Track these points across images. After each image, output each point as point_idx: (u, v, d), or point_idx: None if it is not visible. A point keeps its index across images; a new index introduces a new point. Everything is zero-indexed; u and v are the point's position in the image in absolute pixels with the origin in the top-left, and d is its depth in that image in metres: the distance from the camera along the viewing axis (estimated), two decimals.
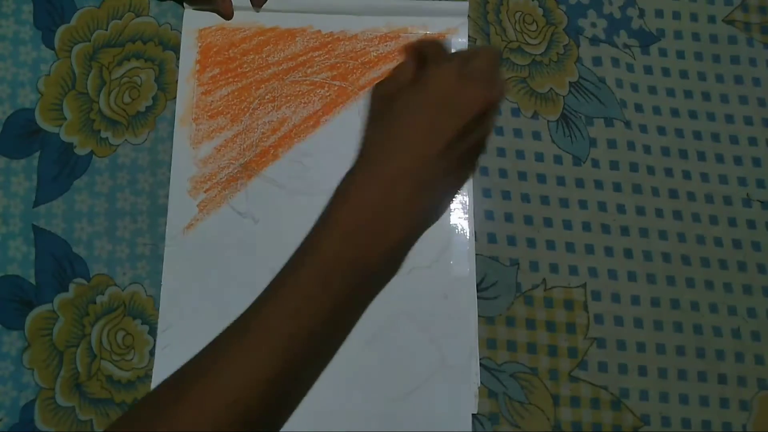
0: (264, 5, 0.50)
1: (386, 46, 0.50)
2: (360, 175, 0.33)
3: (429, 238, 0.46)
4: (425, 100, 0.33)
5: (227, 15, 0.50)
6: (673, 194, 0.49)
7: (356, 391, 0.43)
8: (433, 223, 0.34)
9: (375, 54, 0.50)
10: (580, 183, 0.49)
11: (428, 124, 0.32)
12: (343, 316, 0.32)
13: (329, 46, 0.50)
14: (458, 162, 0.33)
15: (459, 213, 0.47)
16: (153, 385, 0.43)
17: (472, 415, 0.43)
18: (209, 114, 0.49)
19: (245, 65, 0.50)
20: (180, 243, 0.46)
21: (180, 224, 0.47)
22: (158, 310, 0.45)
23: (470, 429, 0.43)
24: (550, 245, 0.47)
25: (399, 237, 0.32)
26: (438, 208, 0.34)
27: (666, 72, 0.51)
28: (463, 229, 0.47)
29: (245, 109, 0.49)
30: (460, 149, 0.33)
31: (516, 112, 0.50)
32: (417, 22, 0.50)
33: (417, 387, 0.44)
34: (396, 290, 0.45)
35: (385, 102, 0.33)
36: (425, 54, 0.34)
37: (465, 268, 0.46)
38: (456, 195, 0.37)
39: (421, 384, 0.44)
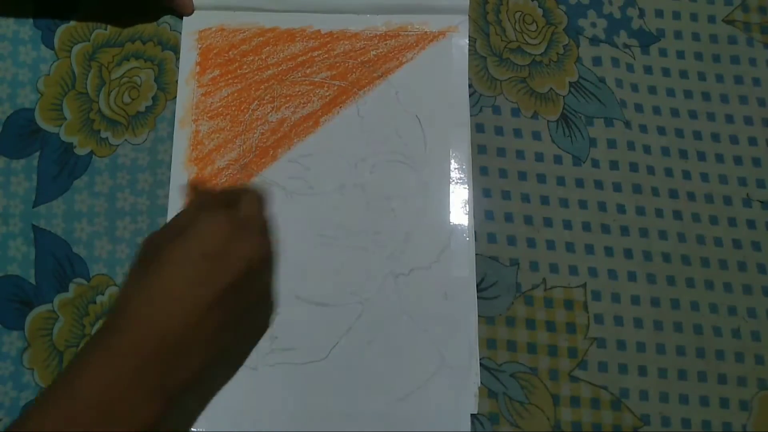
0: (264, 5, 0.50)
1: (386, 44, 0.50)
2: (99, 346, 0.29)
3: (428, 238, 0.47)
4: (194, 250, 0.30)
5: (185, 10, 0.50)
6: (673, 194, 0.49)
7: (356, 391, 0.43)
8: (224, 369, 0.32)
9: (375, 53, 0.50)
10: (580, 183, 0.49)
11: (196, 276, 0.29)
12: None
13: (328, 45, 0.50)
14: (240, 315, 0.30)
15: (459, 213, 0.47)
16: None
17: (472, 415, 0.43)
18: (209, 115, 0.49)
19: (245, 66, 0.50)
20: None
21: None
22: None
23: (470, 429, 0.43)
24: (550, 245, 0.47)
25: (144, 417, 0.28)
26: (225, 360, 0.31)
27: (666, 72, 0.51)
28: (463, 230, 0.47)
29: (245, 110, 0.49)
30: (239, 303, 0.30)
31: (516, 112, 0.50)
32: (417, 20, 0.50)
33: (417, 387, 0.44)
34: (396, 291, 0.46)
35: (153, 251, 0.30)
36: (201, 201, 0.32)
37: (465, 268, 0.46)
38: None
39: (420, 384, 0.44)
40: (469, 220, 0.47)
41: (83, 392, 0.27)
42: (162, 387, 0.28)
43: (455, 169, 0.48)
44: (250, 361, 0.43)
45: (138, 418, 0.28)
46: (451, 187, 0.48)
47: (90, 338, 0.30)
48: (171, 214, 0.47)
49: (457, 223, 0.47)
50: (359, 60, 0.47)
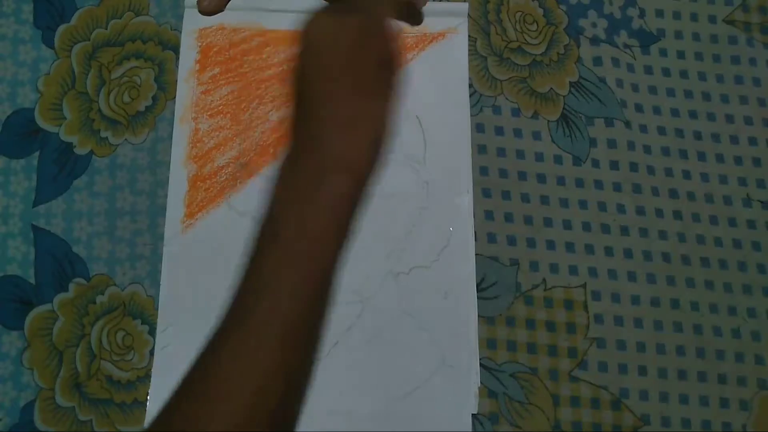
0: (265, 5, 0.50)
1: None
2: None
3: (429, 237, 0.47)
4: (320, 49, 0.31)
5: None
6: (673, 194, 0.49)
7: (357, 390, 0.43)
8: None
9: None
10: (580, 183, 0.49)
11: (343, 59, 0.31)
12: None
13: None
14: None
15: (459, 212, 0.47)
16: (153, 385, 0.43)
17: (472, 415, 0.43)
18: (209, 113, 0.49)
19: (245, 65, 0.50)
20: (179, 242, 0.46)
21: (179, 224, 0.46)
22: (158, 310, 0.45)
23: (470, 429, 0.43)
24: (550, 245, 0.47)
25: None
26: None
27: (666, 72, 0.51)
28: (463, 229, 0.47)
29: (245, 109, 0.49)
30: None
31: (516, 112, 0.50)
32: None
33: (417, 387, 0.44)
34: (397, 290, 0.46)
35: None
36: None
37: (465, 268, 0.46)
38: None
39: (421, 384, 0.44)
40: (469, 220, 0.47)
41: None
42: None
43: (455, 168, 0.48)
44: None
45: None
46: (452, 186, 0.48)
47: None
48: (170, 213, 0.47)
49: (457, 221, 0.47)
50: None
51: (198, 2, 0.45)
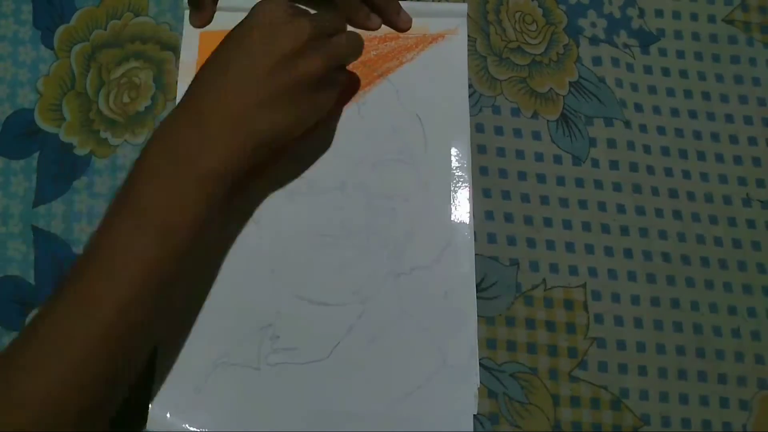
0: None
1: (386, 45, 0.50)
2: (185, 111, 0.38)
3: (429, 237, 0.47)
4: (253, 25, 0.37)
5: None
6: (673, 194, 0.49)
7: (357, 390, 0.43)
8: (269, 133, 0.38)
9: (375, 53, 0.50)
10: (580, 183, 0.49)
11: (256, 46, 0.36)
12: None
13: None
14: (294, 87, 0.37)
15: (460, 212, 0.47)
16: (152, 385, 0.43)
17: (473, 415, 0.43)
18: None
19: None
20: None
21: None
22: None
23: (471, 429, 0.43)
24: (550, 245, 0.47)
25: (211, 163, 0.35)
26: (270, 126, 0.38)
27: (666, 72, 0.51)
28: (463, 229, 0.47)
29: None
30: (294, 73, 0.37)
31: (516, 112, 0.50)
32: (416, 23, 0.50)
33: (417, 387, 0.44)
34: (397, 291, 0.46)
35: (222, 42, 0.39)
36: None
37: (465, 267, 0.46)
38: (302, 122, 0.41)
39: (421, 384, 0.44)
40: (469, 219, 0.47)
41: (173, 145, 0.35)
42: (244, 141, 0.36)
43: (456, 168, 0.48)
44: (251, 360, 0.43)
45: (227, 162, 0.36)
46: (452, 186, 0.48)
47: (168, 116, 0.38)
48: None
49: (457, 221, 0.47)
50: (359, 60, 0.47)
51: (190, 18, 0.49)
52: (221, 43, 0.39)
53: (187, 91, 0.38)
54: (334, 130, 0.48)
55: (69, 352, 0.31)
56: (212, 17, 0.50)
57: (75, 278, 0.33)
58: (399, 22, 0.49)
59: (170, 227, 0.34)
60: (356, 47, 0.44)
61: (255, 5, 0.39)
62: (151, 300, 0.34)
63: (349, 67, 0.48)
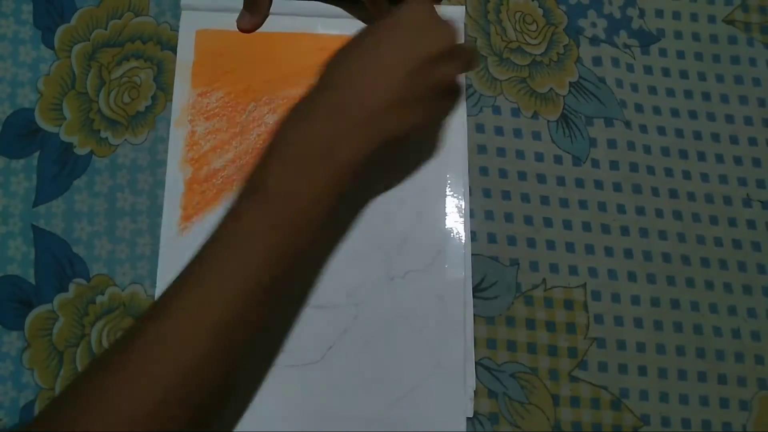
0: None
1: None
2: (317, 103, 0.37)
3: (424, 241, 0.47)
4: (402, 24, 0.37)
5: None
6: (673, 194, 0.49)
7: (351, 393, 0.43)
8: (397, 132, 0.37)
9: None
10: (580, 183, 0.49)
11: (401, 45, 0.36)
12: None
13: (327, 49, 0.50)
14: (429, 90, 0.37)
15: (454, 216, 0.47)
16: None
17: (473, 415, 0.43)
18: (205, 116, 0.48)
19: (243, 68, 0.49)
20: (176, 245, 0.46)
21: (175, 226, 0.46)
22: None
23: (464, 430, 0.43)
24: (550, 245, 0.47)
25: (348, 156, 0.35)
26: (402, 124, 0.37)
27: (666, 72, 0.51)
28: (458, 232, 0.47)
29: (242, 111, 0.49)
30: (431, 77, 0.37)
31: (516, 112, 0.50)
32: None
33: (411, 390, 0.44)
34: (392, 294, 0.46)
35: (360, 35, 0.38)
36: None
37: (460, 270, 0.46)
38: (427, 124, 0.41)
39: (415, 387, 0.44)
40: (464, 223, 0.47)
41: (312, 137, 0.35)
42: (374, 136, 0.36)
43: (451, 171, 0.48)
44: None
45: (358, 155, 0.36)
46: (447, 189, 0.48)
47: (304, 102, 0.37)
48: (166, 215, 0.47)
49: (452, 225, 0.47)
50: None
51: (237, 21, 0.48)
52: (364, 34, 0.38)
53: (324, 76, 0.38)
54: None
55: (197, 336, 0.31)
56: (262, 24, 0.50)
57: (200, 261, 0.33)
58: None
59: (303, 214, 0.34)
60: (478, 57, 0.46)
61: (402, 4, 0.38)
62: (279, 282, 0.34)
63: None
